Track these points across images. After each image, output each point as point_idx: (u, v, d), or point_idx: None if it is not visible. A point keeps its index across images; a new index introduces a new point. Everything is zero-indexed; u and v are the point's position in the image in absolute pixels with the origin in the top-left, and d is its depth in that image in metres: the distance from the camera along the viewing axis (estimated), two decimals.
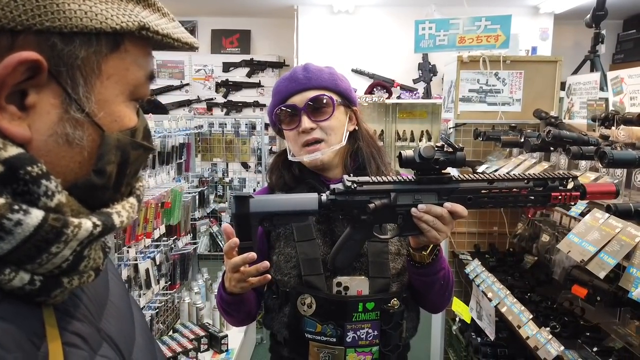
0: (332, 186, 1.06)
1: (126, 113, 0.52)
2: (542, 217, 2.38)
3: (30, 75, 0.44)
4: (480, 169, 2.52)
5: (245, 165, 5.71)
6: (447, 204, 1.04)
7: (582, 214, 1.70)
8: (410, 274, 1.23)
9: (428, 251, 1.15)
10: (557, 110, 2.72)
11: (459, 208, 1.05)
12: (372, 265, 1.21)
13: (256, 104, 6.13)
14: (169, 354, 2.58)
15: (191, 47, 0.56)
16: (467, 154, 2.11)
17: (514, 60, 2.78)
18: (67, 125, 0.47)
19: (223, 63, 6.12)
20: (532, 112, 2.63)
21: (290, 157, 1.29)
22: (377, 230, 1.09)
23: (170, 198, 2.68)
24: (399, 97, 5.28)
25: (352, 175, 1.09)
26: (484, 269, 2.43)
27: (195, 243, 3.29)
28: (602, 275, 1.43)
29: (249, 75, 6.14)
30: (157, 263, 2.53)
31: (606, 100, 2.31)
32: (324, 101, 1.23)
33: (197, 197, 3.73)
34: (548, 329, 1.77)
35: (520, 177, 1.06)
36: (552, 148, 2.07)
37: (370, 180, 1.05)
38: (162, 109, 4.46)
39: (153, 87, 5.82)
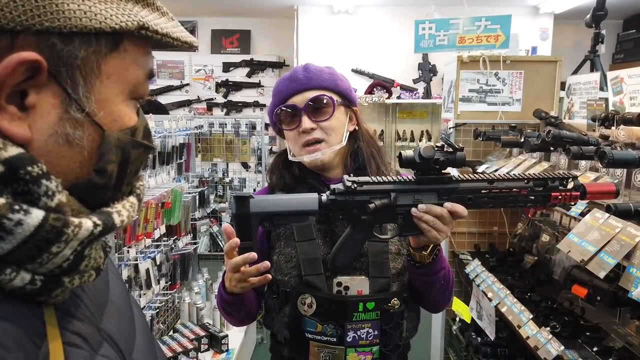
0: (332, 186, 1.06)
1: (126, 112, 0.52)
2: (542, 217, 2.38)
3: (30, 76, 0.44)
4: (480, 169, 2.52)
5: (245, 165, 5.71)
6: (447, 204, 1.05)
7: (582, 214, 1.70)
8: (410, 274, 1.24)
9: (428, 251, 1.15)
10: (557, 110, 2.72)
11: (459, 208, 1.05)
12: (372, 265, 1.21)
13: (256, 104, 6.13)
14: (169, 354, 2.58)
15: (190, 46, 0.56)
16: (467, 154, 2.11)
17: (514, 60, 2.78)
18: (67, 125, 0.47)
19: (223, 63, 6.12)
20: (532, 112, 2.63)
21: (290, 157, 1.29)
22: (377, 230, 1.09)
23: (170, 198, 2.68)
24: (399, 97, 5.28)
25: (352, 175, 1.09)
26: (484, 268, 2.43)
27: (195, 243, 3.29)
28: (602, 275, 1.43)
29: (249, 75, 6.14)
30: (158, 263, 2.53)
31: (606, 100, 2.31)
32: (324, 101, 1.23)
33: (197, 197, 3.73)
34: (548, 328, 1.77)
35: (520, 177, 1.06)
36: (552, 148, 2.07)
37: (371, 180, 1.05)
38: (162, 110, 4.45)
39: (153, 87, 5.83)
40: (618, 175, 1.69)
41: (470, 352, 2.56)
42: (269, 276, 1.09)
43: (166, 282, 2.66)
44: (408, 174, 1.12)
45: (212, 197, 5.16)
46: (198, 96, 6.17)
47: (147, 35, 0.50)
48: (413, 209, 1.04)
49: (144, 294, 2.35)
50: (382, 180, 1.06)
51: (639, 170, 1.61)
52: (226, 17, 6.19)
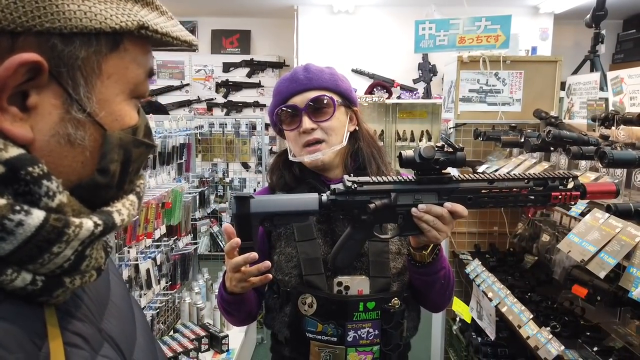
0: (332, 186, 1.06)
1: (127, 112, 0.52)
2: (542, 217, 2.38)
3: (31, 77, 0.44)
4: (480, 169, 2.52)
5: (245, 166, 5.71)
6: (447, 204, 1.05)
7: (582, 214, 1.70)
8: (410, 274, 1.24)
9: (428, 251, 1.15)
10: (557, 110, 2.72)
11: (459, 208, 1.05)
12: (372, 264, 1.21)
13: (256, 104, 6.13)
14: (169, 354, 2.59)
15: (190, 45, 0.57)
16: (467, 154, 2.12)
17: (514, 60, 2.78)
18: (68, 125, 0.47)
19: (223, 63, 6.12)
20: (532, 112, 2.63)
21: (291, 158, 1.29)
22: (377, 230, 1.09)
23: (170, 198, 2.68)
24: (399, 97, 5.28)
25: (352, 175, 1.09)
26: (484, 268, 2.43)
27: (195, 243, 3.29)
28: (602, 275, 1.43)
29: (249, 75, 6.14)
30: (158, 263, 2.53)
31: (606, 100, 2.31)
32: (325, 102, 1.23)
33: (197, 197, 3.73)
34: (548, 328, 1.77)
35: (521, 177, 1.06)
36: (552, 148, 2.07)
37: (371, 180, 1.05)
38: (162, 111, 4.45)
39: (153, 87, 5.83)
40: (618, 175, 1.69)
41: (470, 352, 2.56)
42: (270, 276, 1.09)
43: (166, 282, 2.66)
44: (408, 174, 1.12)
45: (212, 197, 5.17)
46: (198, 96, 6.17)
47: (147, 35, 0.50)
48: (413, 209, 1.04)
49: (145, 294, 2.35)
50: (382, 180, 1.06)
51: (639, 170, 1.61)
52: (226, 17, 6.19)
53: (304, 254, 1.22)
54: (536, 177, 1.06)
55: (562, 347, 1.62)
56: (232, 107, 6.14)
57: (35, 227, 0.43)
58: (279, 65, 6.14)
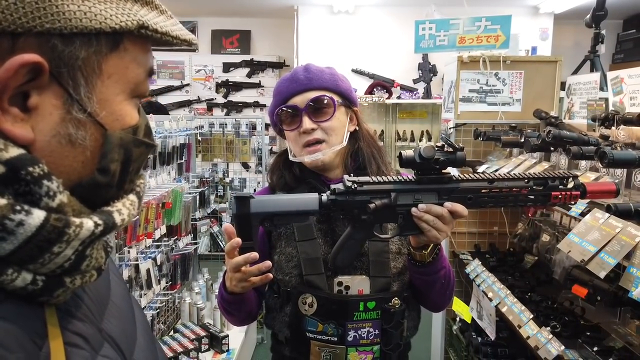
0: (332, 186, 1.06)
1: (127, 111, 0.53)
2: (542, 217, 2.38)
3: (32, 77, 0.44)
4: (480, 169, 2.52)
5: (245, 166, 5.71)
6: (447, 204, 1.05)
7: (583, 214, 1.70)
8: (411, 273, 1.24)
9: (428, 250, 1.15)
10: (557, 110, 2.72)
11: (459, 207, 1.05)
12: (373, 264, 1.21)
13: (256, 104, 6.13)
14: (170, 354, 2.59)
15: (189, 44, 0.57)
16: (467, 154, 2.12)
17: (514, 60, 2.78)
18: (69, 125, 0.47)
19: (223, 63, 6.12)
20: (532, 112, 2.63)
21: (291, 158, 1.29)
22: (377, 230, 1.09)
23: (170, 198, 2.68)
24: (399, 97, 5.28)
25: (352, 175, 1.09)
26: (484, 268, 2.44)
27: (195, 243, 3.29)
28: (602, 275, 1.43)
29: (249, 75, 6.14)
30: (158, 263, 2.53)
31: (606, 100, 2.31)
32: (325, 102, 1.23)
33: (197, 197, 3.73)
34: (548, 328, 1.77)
35: (521, 177, 1.06)
36: (552, 148, 2.07)
37: (371, 180, 1.06)
38: (162, 112, 4.45)
39: (153, 87, 5.83)
40: (618, 175, 1.69)
41: (470, 352, 2.56)
42: (270, 275, 1.09)
43: (167, 282, 2.66)
44: (408, 174, 1.12)
45: (212, 197, 5.17)
46: (198, 96, 6.17)
47: (147, 35, 0.50)
48: (413, 209, 1.05)
49: (145, 294, 2.35)
50: (382, 180, 1.06)
51: (639, 170, 1.61)
52: (226, 17, 6.19)
53: (304, 254, 1.22)
54: (536, 176, 1.06)
55: (562, 347, 1.62)
56: (232, 107, 6.14)
57: (36, 227, 0.43)
58: (279, 66, 6.14)
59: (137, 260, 2.32)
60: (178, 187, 2.82)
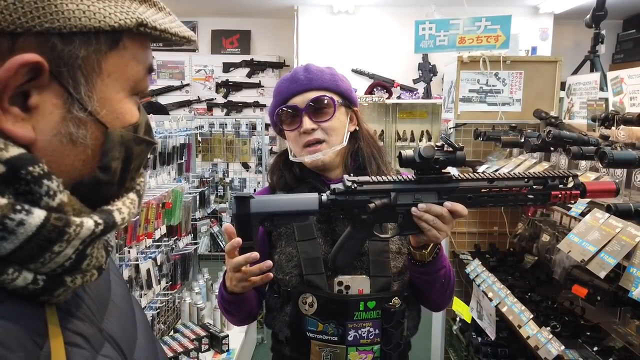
0: (332, 186, 1.06)
1: (128, 109, 0.53)
2: (542, 217, 2.38)
3: (32, 77, 0.44)
4: (480, 169, 2.52)
5: (245, 166, 5.71)
6: (447, 203, 1.05)
7: (583, 214, 1.70)
8: (411, 273, 1.24)
9: (428, 250, 1.15)
10: (557, 110, 2.72)
11: (459, 207, 1.05)
12: (373, 264, 1.21)
13: (256, 104, 6.14)
14: (170, 354, 2.59)
15: (188, 41, 0.57)
16: (467, 154, 2.12)
17: (514, 60, 2.78)
18: (70, 124, 0.47)
19: (223, 63, 6.12)
20: (532, 112, 2.63)
21: (291, 158, 1.29)
22: (377, 230, 1.09)
23: (171, 198, 2.68)
24: (399, 97, 5.29)
25: (352, 175, 1.09)
26: (484, 268, 2.44)
27: (196, 243, 3.29)
28: (602, 275, 1.43)
29: (249, 75, 6.14)
30: (158, 263, 2.53)
31: (606, 100, 2.32)
32: (325, 102, 1.24)
33: (197, 197, 3.73)
34: (548, 328, 1.77)
35: (520, 176, 1.06)
36: (552, 148, 2.07)
37: (371, 180, 1.06)
38: (162, 112, 4.45)
39: (153, 87, 5.83)
40: (618, 176, 1.69)
41: (470, 352, 2.56)
42: (271, 275, 1.09)
43: (167, 282, 2.66)
44: (408, 174, 1.12)
45: (212, 197, 5.17)
46: (198, 96, 6.17)
47: (146, 32, 0.50)
48: (413, 208, 1.05)
49: (145, 294, 2.35)
50: (382, 180, 1.06)
51: (639, 170, 1.61)
52: (226, 17, 6.19)
53: (304, 254, 1.22)
54: (536, 176, 1.06)
55: (562, 347, 1.62)
56: (232, 107, 6.14)
57: (37, 227, 0.43)
58: (279, 66, 6.14)
59: (137, 260, 2.32)
60: (178, 187, 2.82)
